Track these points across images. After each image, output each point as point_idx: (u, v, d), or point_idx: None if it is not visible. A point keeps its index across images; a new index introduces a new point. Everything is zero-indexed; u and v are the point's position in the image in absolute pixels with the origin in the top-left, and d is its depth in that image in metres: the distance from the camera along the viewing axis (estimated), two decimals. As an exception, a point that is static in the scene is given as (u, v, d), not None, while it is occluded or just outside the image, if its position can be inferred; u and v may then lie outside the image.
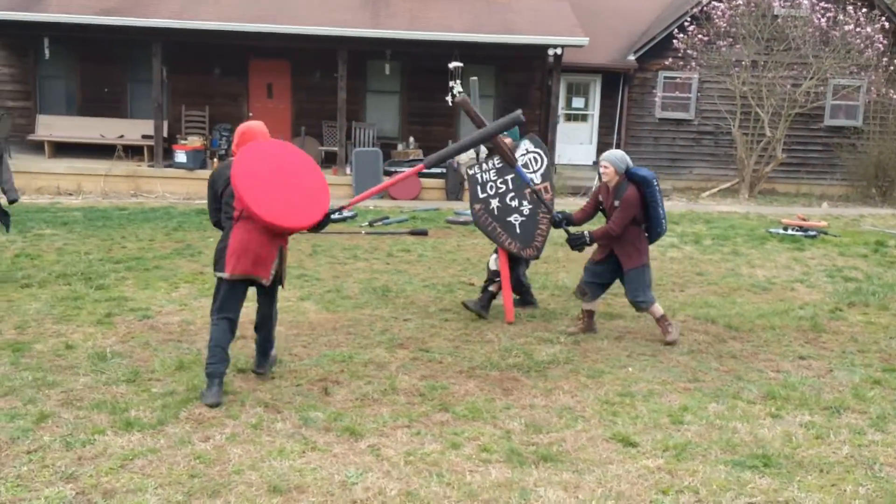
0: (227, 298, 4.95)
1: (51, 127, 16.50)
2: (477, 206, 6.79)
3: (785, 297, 8.03)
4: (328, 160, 16.83)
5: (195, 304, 7.01)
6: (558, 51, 15.50)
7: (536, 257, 6.93)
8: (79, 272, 8.02)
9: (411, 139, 17.40)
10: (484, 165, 6.86)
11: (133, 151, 16.37)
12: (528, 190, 6.65)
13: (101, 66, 16.93)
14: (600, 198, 6.29)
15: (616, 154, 6.20)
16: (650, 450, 4.16)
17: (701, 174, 18.83)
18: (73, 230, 10.58)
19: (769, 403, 4.93)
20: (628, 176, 6.13)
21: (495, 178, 6.81)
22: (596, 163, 18.02)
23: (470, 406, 4.75)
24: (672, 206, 15.24)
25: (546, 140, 16.67)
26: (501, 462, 3.97)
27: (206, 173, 15.23)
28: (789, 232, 11.84)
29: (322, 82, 17.12)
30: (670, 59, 17.86)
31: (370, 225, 11.87)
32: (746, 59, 16.89)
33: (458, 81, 15.58)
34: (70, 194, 14.44)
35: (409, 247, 10.21)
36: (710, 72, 17.81)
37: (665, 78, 18.75)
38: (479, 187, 6.84)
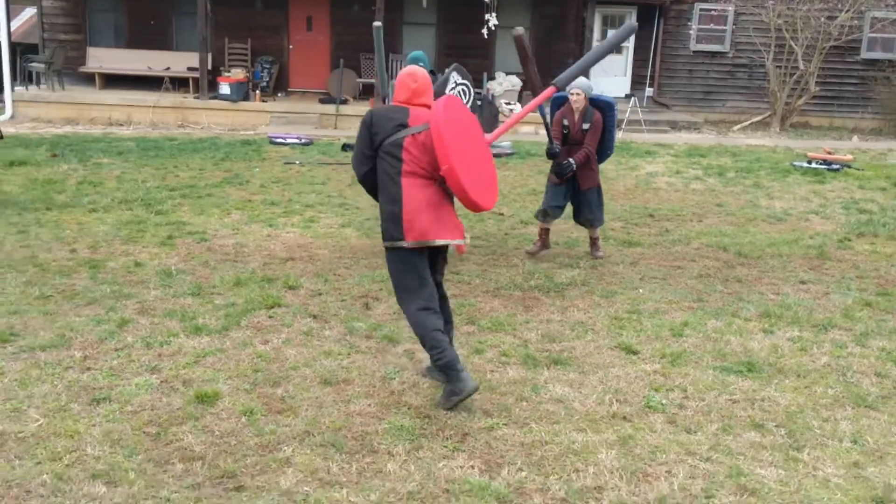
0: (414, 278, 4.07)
1: (100, 59, 17.15)
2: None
3: (798, 228, 8.48)
4: (366, 92, 17.29)
5: (246, 229, 7.68)
6: (593, -17, 15.61)
7: None
8: (138, 198, 8.72)
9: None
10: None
11: (179, 83, 16.97)
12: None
13: (147, -1, 17.46)
14: (565, 122, 6.77)
15: (585, 82, 6.74)
16: (649, 357, 4.76)
17: (734, 107, 18.93)
18: (129, 159, 11.27)
19: (763, 321, 5.48)
20: (592, 102, 6.72)
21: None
22: (629, 95, 18.26)
23: (493, 320, 5.37)
24: (701, 139, 15.53)
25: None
26: (518, 364, 4.60)
27: (251, 105, 15.83)
28: (813, 165, 12.14)
29: (360, 14, 17.44)
30: (707, -9, 17.84)
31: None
32: (784, -10, 16.85)
33: (494, 14, 15.83)
34: (121, 125, 15.14)
35: (443, 177, 10.75)
36: (746, 4, 17.78)
37: (700, 10, 18.73)
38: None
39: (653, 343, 4.99)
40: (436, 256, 4.19)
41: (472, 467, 3.43)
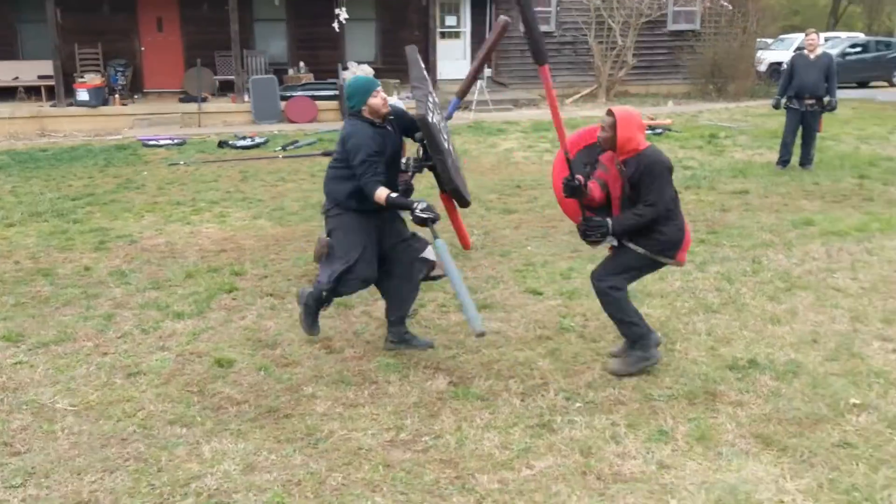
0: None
1: (-59, 72, 16.68)
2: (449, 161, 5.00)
3: (638, 186, 10.18)
4: (224, 89, 17.80)
5: (168, 229, 8.41)
6: (433, -24, 16.90)
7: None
8: (47, 210, 9.17)
9: (301, 64, 18.53)
10: (431, 106, 5.05)
11: (32, 92, 16.80)
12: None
13: (-16, 8, 17.07)
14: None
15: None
16: (551, 295, 6.13)
17: (565, 82, 20.88)
18: (11, 173, 11.47)
19: (628, 261, 7.00)
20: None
21: (440, 119, 5.28)
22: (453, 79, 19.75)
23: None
24: (542, 114, 17.25)
25: (427, 60, 18.20)
26: (456, 312, 5.83)
27: (111, 109, 15.99)
28: (641, 131, 14.06)
29: (210, 13, 17.87)
30: (532, -22, 19.58)
31: (284, 149, 13.26)
32: (599, -26, 18.85)
33: (343, 8, 16.81)
34: (-21, 139, 14.96)
35: (326, 167, 11.74)
36: (568, -13, 19.71)
37: (528, -6, 20.51)
38: (440, 135, 4.95)
39: (551, 285, 6.37)
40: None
41: (451, 382, 4.64)
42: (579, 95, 19.82)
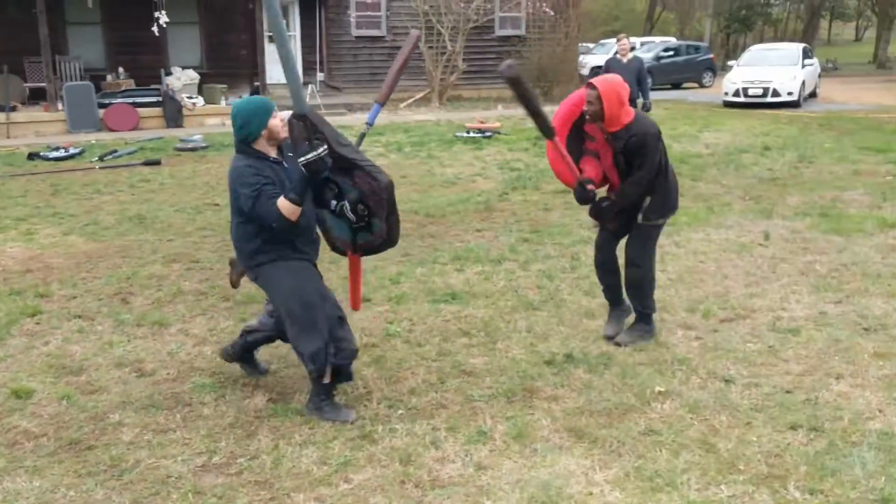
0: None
1: None
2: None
3: (468, 188, 10.36)
4: (36, 97, 16.61)
5: (-35, 250, 7.71)
6: (257, -21, 16.52)
7: None
8: None
9: (120, 69, 17.60)
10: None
11: None
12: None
13: None
14: None
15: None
16: (379, 301, 6.09)
17: (399, 86, 20.95)
18: None
19: (456, 263, 7.06)
20: None
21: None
22: (306, 83, 19.46)
23: (244, 294, 6.34)
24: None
25: (255, 64, 17.79)
26: (279, 323, 5.66)
27: None
28: (471, 135, 14.36)
29: (18, 16, 16.62)
30: (360, -18, 19.56)
31: (101, 160, 12.51)
32: (426, -20, 19.07)
33: (163, 11, 16.11)
34: None
35: (148, 177, 11.20)
36: (396, -8, 19.83)
37: (357, -1, 20.48)
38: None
39: (379, 291, 6.32)
40: None
41: (271, 399, 4.49)
42: (413, 100, 19.98)
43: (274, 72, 19.87)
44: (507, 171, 11.40)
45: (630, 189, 4.88)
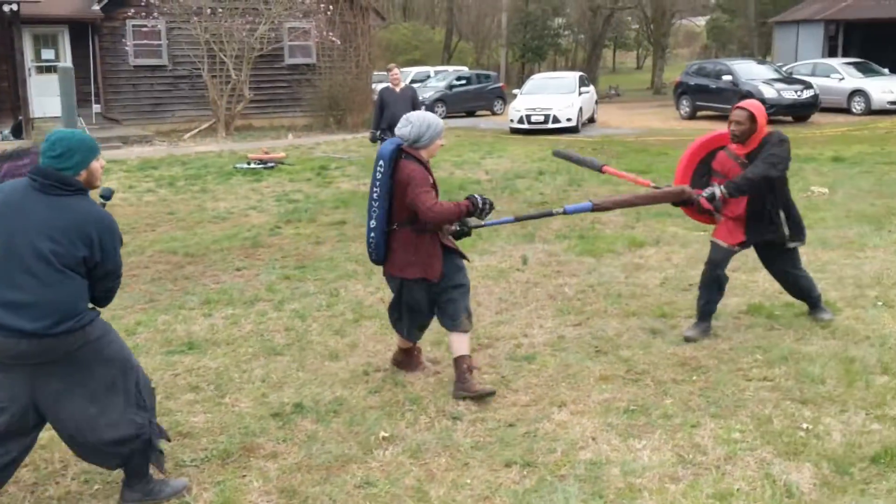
0: None
1: None
2: None
3: (238, 223, 9.92)
4: None
5: None
6: (14, 6, 15.27)
7: None
8: None
9: None
10: None
11: None
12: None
13: None
14: None
15: None
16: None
17: (183, 116, 20.14)
18: None
19: (205, 307, 6.63)
20: None
21: None
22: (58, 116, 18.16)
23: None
24: (153, 151, 16.38)
25: (17, 96, 16.40)
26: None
27: None
28: (252, 166, 13.90)
29: None
30: (134, 9, 18.60)
31: None
32: (205, 7, 18.42)
33: None
34: None
35: None
36: (175, 19, 19.02)
37: (133, 26, 19.45)
38: None
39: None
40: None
41: None
42: (197, 130, 19.21)
43: (45, 104, 18.46)
44: (285, 204, 11.06)
45: (757, 170, 5.00)
